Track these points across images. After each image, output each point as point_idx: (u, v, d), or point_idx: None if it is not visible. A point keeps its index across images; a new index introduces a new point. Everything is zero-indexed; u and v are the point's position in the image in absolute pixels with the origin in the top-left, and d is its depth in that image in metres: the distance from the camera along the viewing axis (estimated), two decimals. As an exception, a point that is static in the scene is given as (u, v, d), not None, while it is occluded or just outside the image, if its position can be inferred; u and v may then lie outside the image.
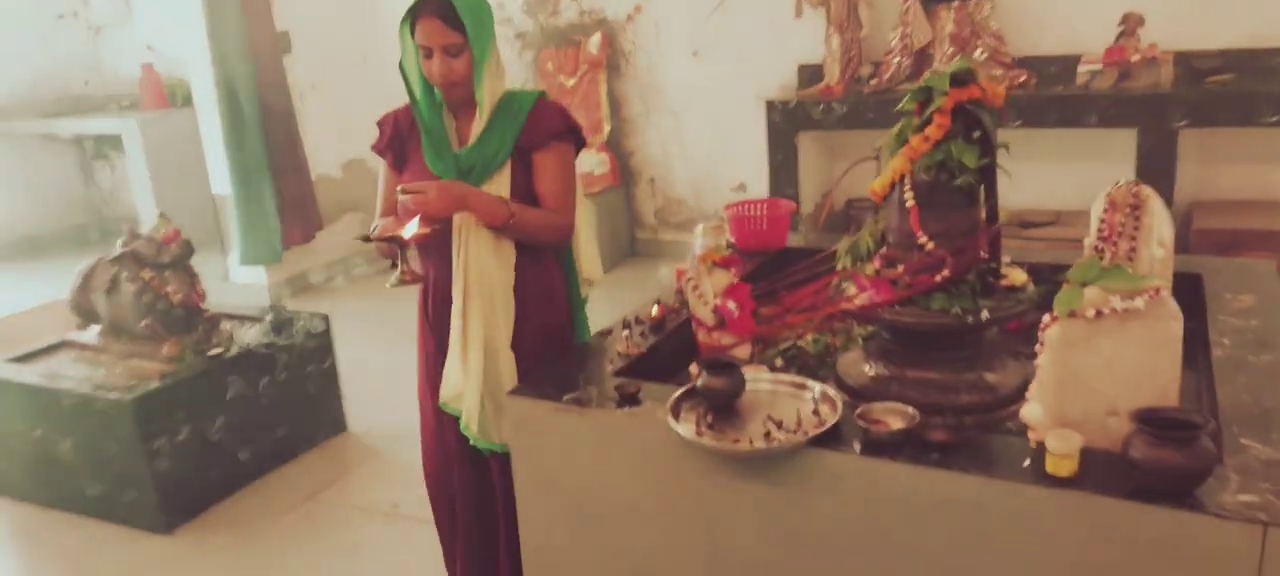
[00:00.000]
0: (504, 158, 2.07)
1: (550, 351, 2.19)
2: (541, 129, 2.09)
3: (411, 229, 1.95)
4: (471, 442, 2.17)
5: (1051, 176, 4.56)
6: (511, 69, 5.88)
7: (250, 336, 3.51)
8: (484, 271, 2.07)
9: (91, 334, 3.46)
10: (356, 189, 6.02)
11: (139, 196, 6.53)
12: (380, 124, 2.23)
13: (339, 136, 5.88)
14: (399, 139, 2.20)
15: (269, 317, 3.67)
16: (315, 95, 5.74)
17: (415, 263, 2.08)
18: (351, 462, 3.58)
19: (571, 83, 5.67)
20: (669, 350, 2.15)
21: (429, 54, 2.00)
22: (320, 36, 5.72)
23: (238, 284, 5.55)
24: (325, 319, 3.73)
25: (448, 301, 2.12)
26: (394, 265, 2.03)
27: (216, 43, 5.11)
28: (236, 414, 3.36)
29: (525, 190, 2.10)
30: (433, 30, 1.97)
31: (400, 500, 3.24)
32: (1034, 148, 4.20)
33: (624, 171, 5.78)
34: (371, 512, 3.22)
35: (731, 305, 1.99)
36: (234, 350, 3.36)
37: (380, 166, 2.26)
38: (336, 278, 5.96)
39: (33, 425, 3.29)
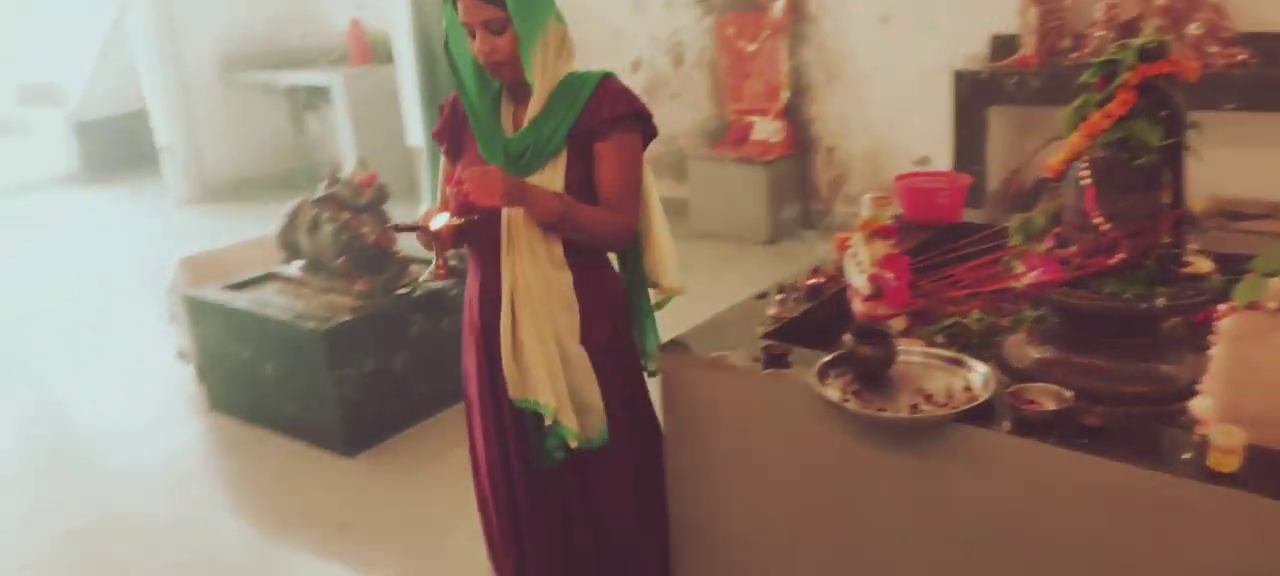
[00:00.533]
0: (558, 144, 1.86)
1: (621, 350, 2.02)
2: (603, 114, 1.86)
3: (440, 220, 1.80)
4: (546, 446, 1.97)
5: (1273, 165, 4.17)
6: (691, 33, 5.92)
7: (435, 283, 3.73)
8: (536, 270, 1.88)
9: (294, 268, 3.79)
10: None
11: (342, 145, 7.03)
12: (442, 107, 2.06)
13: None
14: (456, 124, 2.01)
15: (454, 263, 3.88)
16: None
17: (452, 257, 1.93)
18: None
19: (752, 48, 5.64)
20: (823, 318, 2.14)
21: (473, 32, 1.82)
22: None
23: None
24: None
25: (495, 302, 1.92)
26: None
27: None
28: (418, 351, 3.60)
29: (583, 183, 1.88)
30: (470, 5, 1.79)
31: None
32: (1253, 133, 3.86)
33: (800, 140, 5.71)
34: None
35: (888, 275, 1.96)
36: (419, 291, 3.59)
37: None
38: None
39: (242, 348, 3.65)
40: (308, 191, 3.76)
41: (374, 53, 7.14)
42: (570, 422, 1.93)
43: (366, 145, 6.61)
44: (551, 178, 1.86)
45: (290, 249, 3.75)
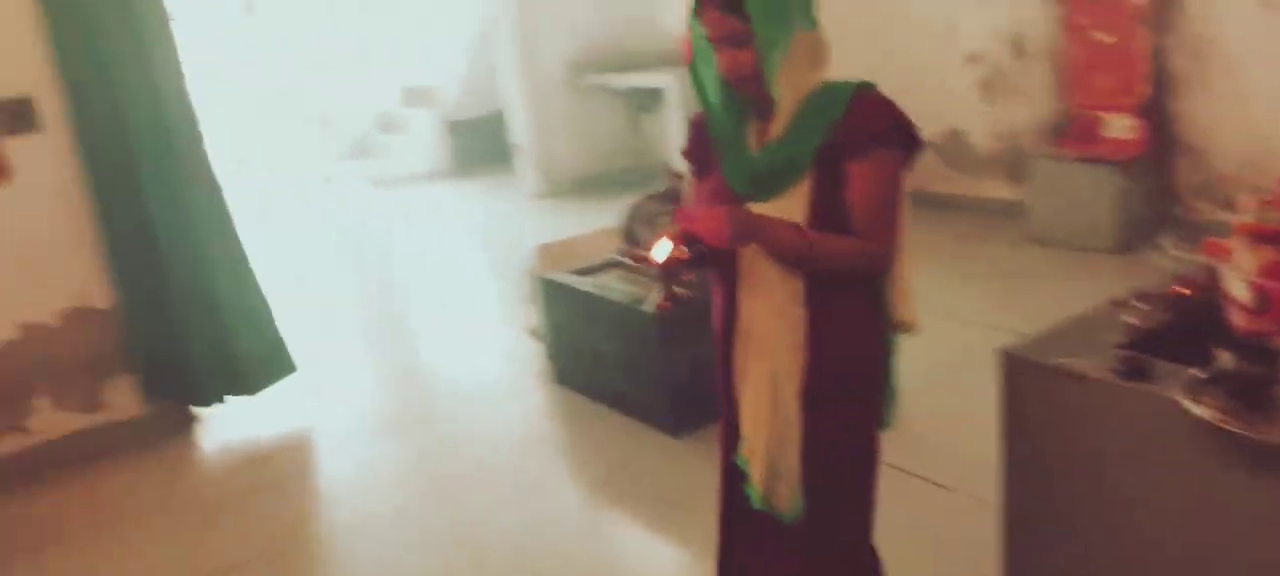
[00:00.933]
0: (804, 164, 1.68)
1: (846, 404, 1.84)
2: (858, 129, 1.67)
3: (662, 251, 1.70)
4: (755, 506, 1.88)
5: None
6: (1035, 23, 5.57)
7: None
8: (769, 305, 1.75)
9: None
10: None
11: (673, 145, 7.39)
12: (690, 124, 1.94)
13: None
14: (703, 143, 1.89)
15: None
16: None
17: (687, 285, 1.81)
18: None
19: (1110, 39, 5.21)
20: (1187, 331, 1.96)
21: (718, 47, 1.71)
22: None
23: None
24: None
25: (731, 335, 1.85)
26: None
27: None
28: (742, 341, 3.73)
29: (833, 207, 1.69)
30: (712, 20, 1.68)
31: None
32: None
33: (1160, 139, 5.19)
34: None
35: (1277, 285, 1.76)
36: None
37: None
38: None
39: (585, 327, 3.98)
40: (642, 188, 4.02)
41: (706, 55, 7.41)
42: (756, 479, 1.82)
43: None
44: (795, 202, 1.68)
45: (631, 239, 4.03)
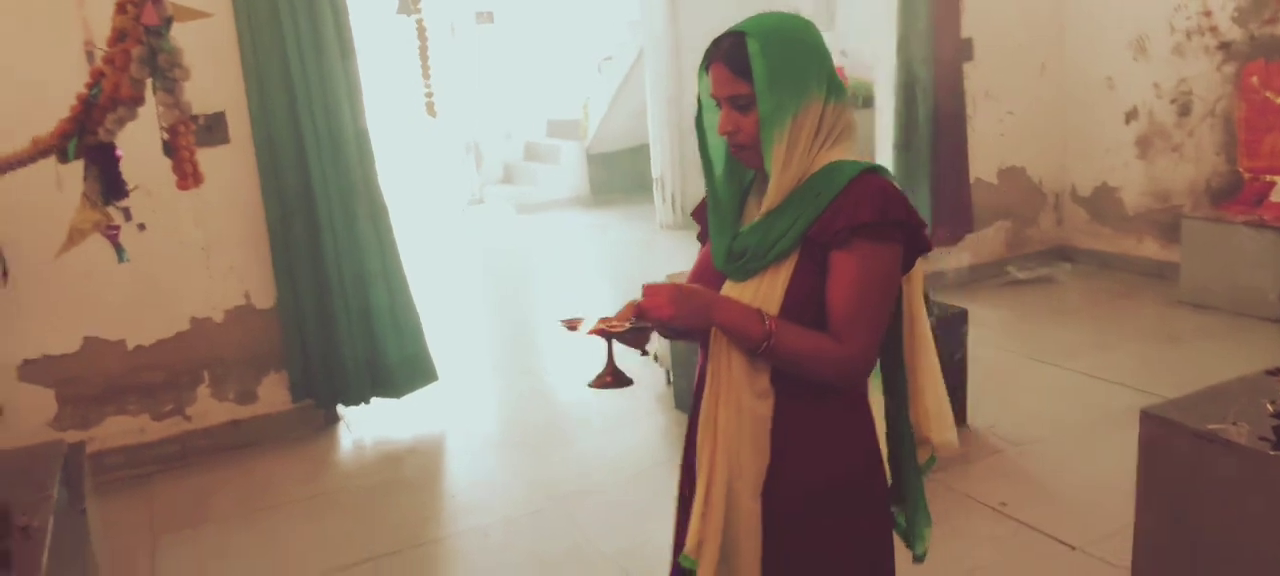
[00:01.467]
0: (786, 247, 1.52)
1: (822, 523, 1.60)
2: (845, 216, 1.49)
3: (588, 325, 1.57)
4: None
5: None
6: (1204, 81, 5.32)
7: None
8: (730, 397, 1.57)
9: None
10: (1010, 196, 6.03)
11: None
12: None
13: (1000, 143, 5.93)
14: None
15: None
16: (987, 102, 5.86)
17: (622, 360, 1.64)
18: (969, 454, 3.69)
19: (1281, 101, 4.93)
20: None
21: (721, 106, 1.59)
22: (1001, 44, 5.81)
23: (885, 273, 5.96)
24: (964, 312, 3.88)
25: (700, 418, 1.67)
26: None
27: (903, 48, 5.52)
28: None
29: (813, 298, 1.52)
30: (717, 76, 1.57)
31: (1008, 500, 3.27)
32: None
33: (1338, 209, 4.85)
34: (979, 503, 3.30)
35: None
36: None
37: None
38: (979, 281, 6.05)
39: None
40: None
41: (852, 99, 7.39)
42: None
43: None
44: (770, 286, 1.53)
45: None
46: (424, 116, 4.56)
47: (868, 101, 6.57)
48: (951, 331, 3.84)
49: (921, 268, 1.65)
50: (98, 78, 2.73)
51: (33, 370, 3.89)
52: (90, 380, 3.97)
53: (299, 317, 4.20)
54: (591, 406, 4.58)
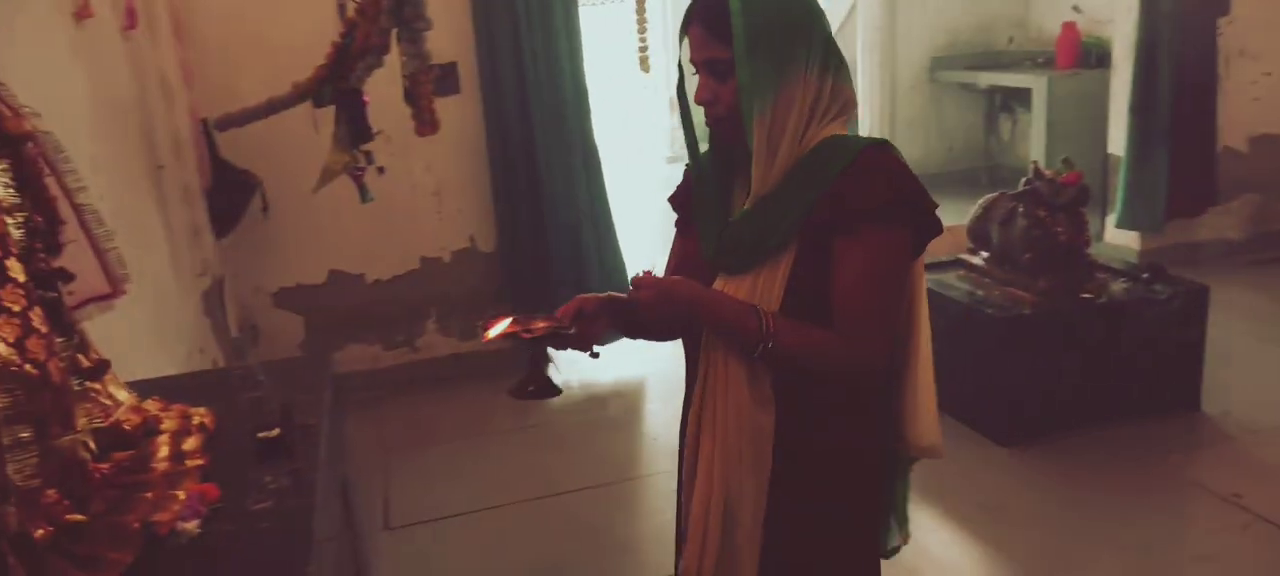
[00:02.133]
0: (783, 238, 1.34)
1: (821, 536, 1.47)
2: (851, 199, 1.32)
3: (499, 328, 1.42)
4: None
5: None
6: None
7: (1122, 290, 3.59)
8: (729, 400, 1.40)
9: (980, 257, 3.93)
10: (1262, 167, 5.47)
11: (1033, 149, 6.97)
12: (687, 170, 1.59)
13: (1255, 109, 5.38)
14: (688, 194, 1.56)
15: (1145, 276, 3.66)
16: (1242, 62, 5.32)
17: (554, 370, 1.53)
18: (1202, 440, 3.44)
19: None
20: None
21: (698, 72, 1.40)
22: (1264, -3, 5.25)
23: (1109, 244, 5.58)
24: (1204, 290, 3.59)
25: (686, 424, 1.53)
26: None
27: (1148, 3, 5.09)
28: (1092, 359, 3.50)
29: (816, 291, 1.35)
30: (694, 37, 1.37)
31: (1244, 492, 3.02)
32: None
33: None
34: (1209, 492, 3.08)
35: None
36: (1103, 298, 3.47)
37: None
38: (1220, 258, 5.54)
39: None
40: (988, 191, 3.88)
41: (1084, 57, 6.91)
42: None
43: (1059, 151, 6.45)
44: (769, 282, 1.35)
45: (979, 239, 3.90)
46: (637, 70, 4.66)
47: (1103, 60, 6.12)
48: (1190, 310, 3.57)
49: (921, 260, 1.49)
50: (350, 27, 2.97)
51: (286, 297, 4.32)
52: (334, 309, 4.37)
53: (516, 259, 4.43)
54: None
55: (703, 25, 1.35)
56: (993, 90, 7.89)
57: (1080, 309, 3.48)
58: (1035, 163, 3.80)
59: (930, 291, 3.73)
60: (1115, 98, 5.53)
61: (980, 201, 3.91)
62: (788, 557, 1.44)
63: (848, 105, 1.39)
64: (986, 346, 3.51)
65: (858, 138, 1.37)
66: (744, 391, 1.38)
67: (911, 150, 8.19)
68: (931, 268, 4.02)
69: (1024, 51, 7.81)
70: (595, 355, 1.47)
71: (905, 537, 1.65)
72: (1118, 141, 5.49)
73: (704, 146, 1.48)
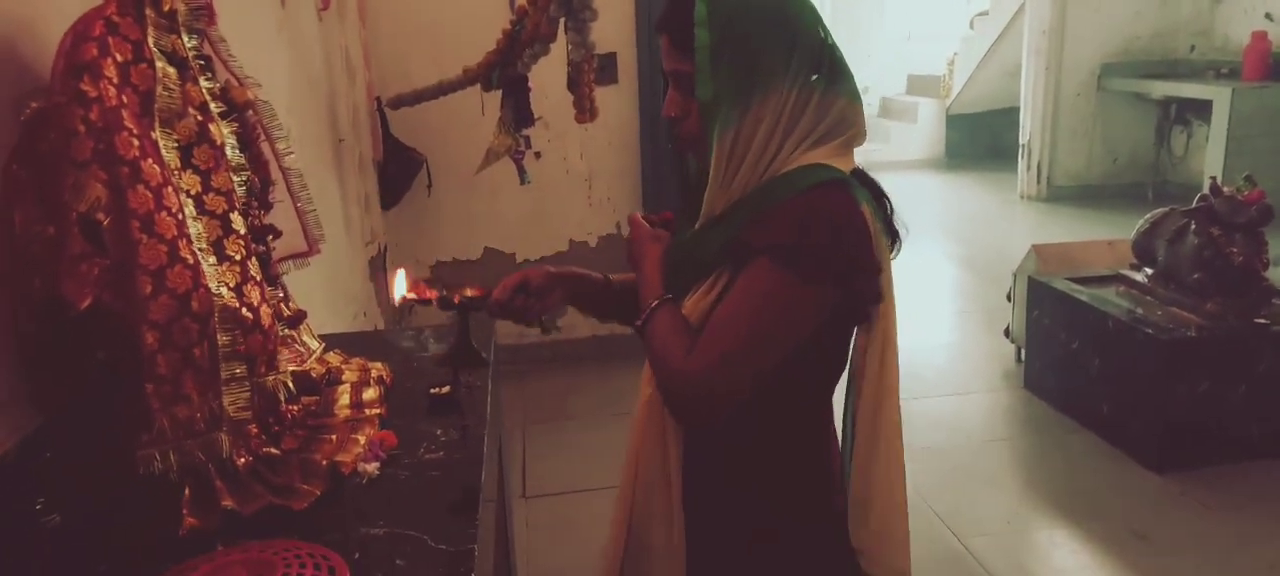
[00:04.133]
0: (709, 262, 1.23)
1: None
2: (759, 230, 1.17)
3: (400, 286, 1.43)
4: None
5: None
6: None
7: (1300, 319, 3.37)
8: (648, 402, 1.32)
9: (1142, 274, 3.75)
10: None
11: (1209, 165, 6.56)
12: None
13: None
14: None
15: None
16: None
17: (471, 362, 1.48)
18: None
19: None
20: None
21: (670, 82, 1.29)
22: None
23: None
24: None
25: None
26: None
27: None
28: (1261, 387, 3.30)
29: None
30: (662, 48, 1.26)
31: None
32: None
33: None
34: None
35: None
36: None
37: None
38: None
39: (1071, 337, 3.78)
40: (1153, 207, 3.71)
41: (1274, 69, 6.46)
42: None
43: (1238, 168, 6.06)
44: (696, 303, 1.23)
45: (1144, 255, 3.72)
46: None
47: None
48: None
49: (890, 330, 1.26)
50: (521, 15, 3.10)
51: (443, 271, 4.54)
52: (486, 286, 4.56)
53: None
54: (934, 367, 4.50)
55: (668, 34, 1.24)
56: (1167, 101, 7.48)
57: (1253, 334, 3.29)
58: (1213, 178, 3.60)
59: (1088, 306, 3.66)
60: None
61: (1148, 216, 3.74)
62: None
63: (845, 128, 1.22)
64: (1145, 367, 3.36)
65: (827, 171, 1.19)
66: (654, 428, 1.29)
67: (1073, 161, 7.86)
68: (1090, 282, 3.88)
69: (1207, 61, 7.37)
70: (546, 330, 1.50)
71: None
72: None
73: None
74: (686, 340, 1.20)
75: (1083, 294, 3.78)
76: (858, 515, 1.29)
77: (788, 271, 1.15)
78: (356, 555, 1.14)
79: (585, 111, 3.21)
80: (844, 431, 1.34)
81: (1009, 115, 8.64)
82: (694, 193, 1.28)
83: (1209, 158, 6.60)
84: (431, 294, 1.43)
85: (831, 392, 1.32)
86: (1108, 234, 4.30)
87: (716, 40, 1.15)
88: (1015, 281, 4.32)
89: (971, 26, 9.64)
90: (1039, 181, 7.94)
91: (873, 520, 1.28)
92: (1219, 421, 3.33)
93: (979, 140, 9.83)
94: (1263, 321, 3.30)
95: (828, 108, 1.19)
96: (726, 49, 1.15)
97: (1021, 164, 8.07)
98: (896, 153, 9.85)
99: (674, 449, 1.28)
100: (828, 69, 1.19)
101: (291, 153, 1.45)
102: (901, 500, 1.30)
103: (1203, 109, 6.85)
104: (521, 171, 3.49)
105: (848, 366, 1.31)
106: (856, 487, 1.29)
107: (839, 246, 1.16)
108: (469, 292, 1.42)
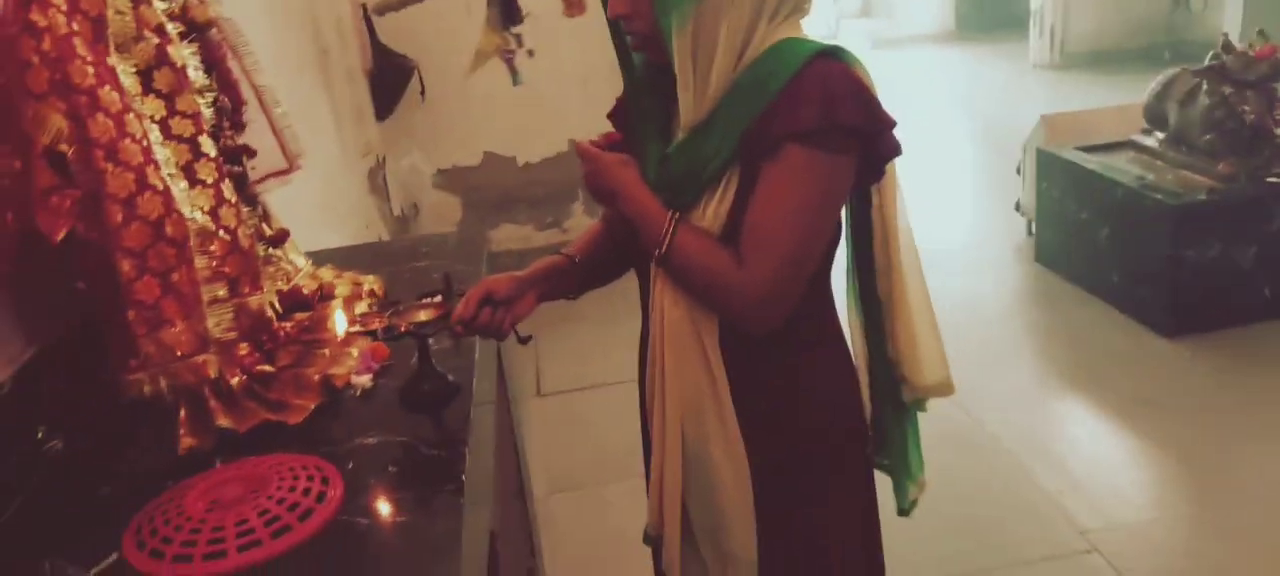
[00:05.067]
0: (720, 165, 1.16)
1: (805, 478, 1.31)
2: (780, 120, 1.12)
3: (340, 324, 1.40)
4: None
5: None
6: None
7: (1313, 175, 3.31)
8: (677, 341, 1.24)
9: (1153, 139, 3.68)
10: None
11: (1227, 23, 6.37)
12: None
13: None
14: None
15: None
16: None
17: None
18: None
19: None
20: None
21: None
22: None
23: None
24: None
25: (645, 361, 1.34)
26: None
27: None
28: (1272, 247, 3.26)
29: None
30: None
31: None
32: None
33: None
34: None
35: None
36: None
37: None
38: None
39: (1081, 208, 3.74)
40: (1168, 69, 3.61)
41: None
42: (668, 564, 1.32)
43: (1256, 23, 5.88)
44: (714, 213, 1.18)
45: (1156, 119, 3.65)
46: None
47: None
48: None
49: (896, 179, 1.28)
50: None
51: (445, 178, 4.51)
52: (488, 189, 4.54)
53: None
54: (945, 246, 4.48)
55: None
56: (1185, -44, 7.23)
57: (1265, 193, 3.24)
58: (1225, 34, 3.50)
59: (1097, 175, 3.60)
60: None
61: (1159, 77, 3.65)
62: (773, 514, 1.29)
63: (800, 4, 1.19)
64: (1155, 233, 3.32)
65: (807, 43, 1.16)
66: (687, 326, 1.23)
67: (1086, 25, 7.66)
68: (1098, 150, 3.82)
69: (1224, -88, 7.08)
70: (522, 341, 1.37)
71: (921, 487, 1.47)
72: (1327, 10, 4.95)
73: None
74: (727, 252, 1.16)
75: (1092, 162, 3.72)
76: (899, 345, 1.35)
77: (819, 151, 1.12)
78: (350, 464, 1.16)
79: (573, 5, 3.15)
80: (862, 282, 1.37)
81: (1020, -20, 8.40)
82: (644, 94, 1.23)
83: (1227, 14, 6.41)
84: (378, 323, 1.34)
85: (833, 259, 1.29)
86: (1123, 100, 4.20)
87: None
88: (1024, 154, 4.26)
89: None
90: (1052, 48, 7.75)
91: (911, 344, 1.35)
92: (1230, 284, 3.30)
93: (989, 8, 9.56)
94: (1275, 179, 3.24)
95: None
96: None
97: (1033, 31, 7.87)
98: (905, 27, 9.60)
99: (716, 360, 1.23)
100: None
101: (261, 69, 1.42)
102: (931, 321, 1.37)
103: (1222, -37, 6.63)
104: (513, 72, 3.44)
105: (852, 226, 1.34)
106: (891, 323, 1.35)
107: (859, 111, 1.13)
108: (423, 316, 1.32)
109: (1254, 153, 3.30)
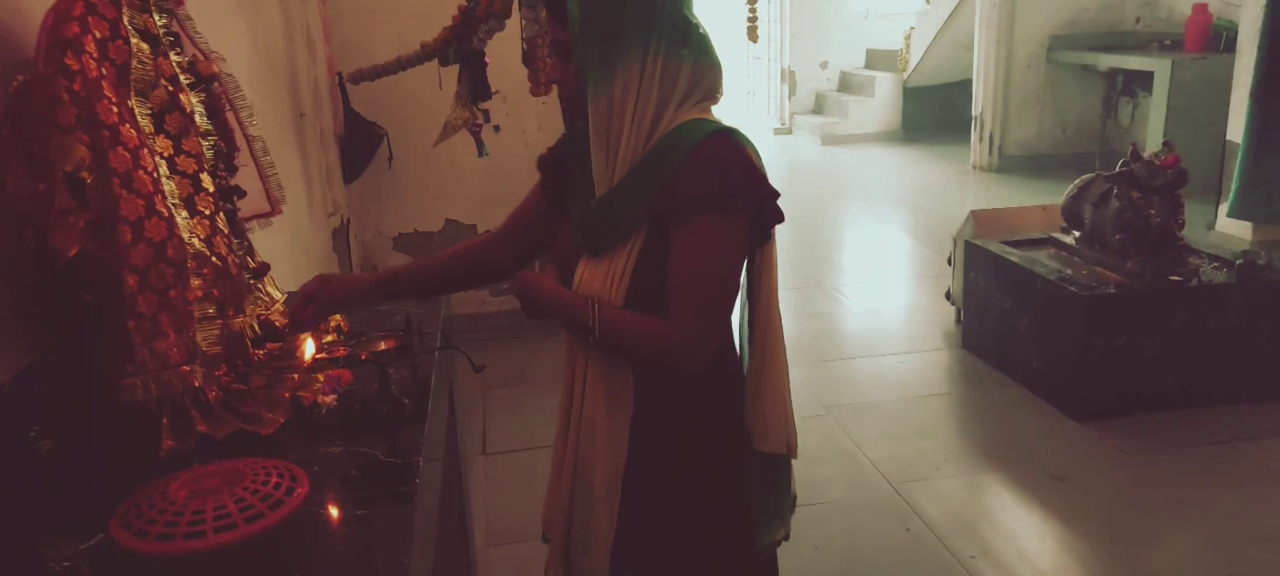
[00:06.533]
0: (629, 224, 1.33)
1: (689, 503, 1.47)
2: (685, 187, 1.30)
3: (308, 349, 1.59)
4: None
5: None
6: None
7: (1214, 275, 3.61)
8: (594, 383, 1.45)
9: (1071, 237, 3.97)
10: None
11: (1151, 135, 6.82)
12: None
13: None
14: (558, 166, 1.54)
15: (1239, 262, 3.65)
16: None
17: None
18: (1283, 429, 3.45)
19: None
20: None
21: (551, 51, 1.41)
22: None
23: (1221, 233, 5.48)
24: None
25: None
26: None
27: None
28: (1175, 342, 3.53)
29: (662, 280, 1.33)
30: (544, 18, 1.47)
31: (1322, 482, 3.05)
32: None
33: None
34: (1284, 482, 3.12)
35: None
36: (1193, 282, 3.49)
37: None
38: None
39: (1005, 298, 4.00)
40: (1085, 174, 3.92)
41: (1213, 41, 6.72)
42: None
43: (1177, 135, 6.32)
44: (622, 266, 1.35)
45: (1073, 218, 3.94)
46: (745, 41, 4.82)
47: (1233, 45, 5.96)
48: (1281, 297, 3.55)
49: (774, 246, 1.46)
50: (476, -7, 3.24)
51: (404, 242, 4.67)
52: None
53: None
54: (879, 329, 4.71)
55: (547, 4, 1.37)
56: (1114, 72, 7.73)
57: (1167, 291, 3.51)
58: (1134, 144, 3.82)
59: (1018, 267, 3.88)
60: (1238, 83, 5.41)
61: (1076, 181, 3.95)
62: (645, 530, 1.46)
63: (711, 91, 1.37)
64: (1068, 322, 3.58)
65: (706, 124, 1.33)
66: (601, 391, 1.42)
67: (1023, 131, 8.11)
68: (1023, 244, 4.10)
69: (1151, 33, 7.63)
70: (476, 369, 1.59)
71: (786, 532, 1.61)
72: (1238, 129, 5.36)
73: None
74: (652, 318, 1.32)
75: (1014, 255, 3.99)
76: (752, 402, 1.50)
77: (722, 216, 1.30)
78: (315, 468, 1.30)
79: (540, 85, 3.36)
80: (741, 337, 1.53)
81: (964, 87, 8.87)
82: (582, 155, 1.38)
83: (1151, 127, 6.86)
84: (342, 351, 1.61)
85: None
86: (1051, 200, 4.52)
87: (587, 11, 1.28)
88: (955, 246, 4.53)
89: (927, 1, 9.86)
90: (991, 152, 8.18)
91: (764, 404, 1.50)
92: (1136, 372, 3.56)
93: (934, 113, 10.08)
94: (1176, 279, 3.53)
95: (699, 70, 1.33)
96: (596, 19, 1.27)
97: (974, 135, 8.31)
98: (855, 126, 10.06)
99: (625, 405, 1.41)
100: (694, 34, 1.33)
101: (254, 119, 1.60)
102: (786, 386, 1.53)
103: (1147, 80, 7.10)
104: (480, 144, 3.64)
105: (743, 285, 1.47)
106: (752, 380, 1.50)
107: (748, 180, 1.33)
108: (383, 346, 1.59)
109: (1159, 253, 3.59)
